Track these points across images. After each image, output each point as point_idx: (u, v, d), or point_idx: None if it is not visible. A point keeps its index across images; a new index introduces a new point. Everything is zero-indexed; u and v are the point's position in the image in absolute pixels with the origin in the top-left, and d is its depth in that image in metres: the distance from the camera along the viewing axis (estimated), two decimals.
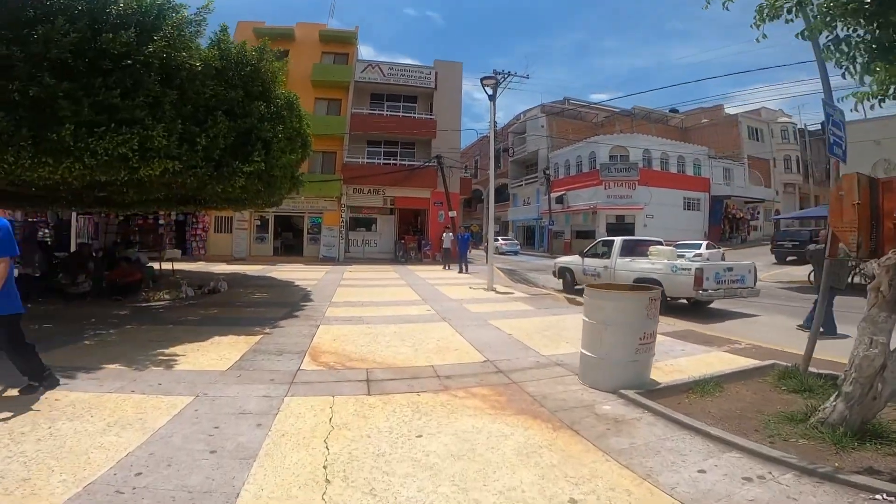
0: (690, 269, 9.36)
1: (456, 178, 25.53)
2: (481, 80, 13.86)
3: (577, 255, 13.40)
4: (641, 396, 4.13)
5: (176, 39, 6.49)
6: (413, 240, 24.64)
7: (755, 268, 10.53)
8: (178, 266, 17.30)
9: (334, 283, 13.89)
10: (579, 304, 10.81)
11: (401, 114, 25.65)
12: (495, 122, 14.05)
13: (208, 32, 7.75)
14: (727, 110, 43.68)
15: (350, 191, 24.36)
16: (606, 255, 11.81)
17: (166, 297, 10.21)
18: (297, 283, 13.71)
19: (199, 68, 6.88)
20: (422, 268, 20.18)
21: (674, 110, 43.63)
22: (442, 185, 23.59)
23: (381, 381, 4.71)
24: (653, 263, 10.36)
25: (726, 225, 36.44)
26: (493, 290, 12.42)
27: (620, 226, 32.46)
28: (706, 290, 9.32)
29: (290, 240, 25.57)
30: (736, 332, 7.92)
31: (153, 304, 9.63)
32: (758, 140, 40.71)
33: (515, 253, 34.63)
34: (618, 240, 11.75)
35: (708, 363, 5.58)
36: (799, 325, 8.17)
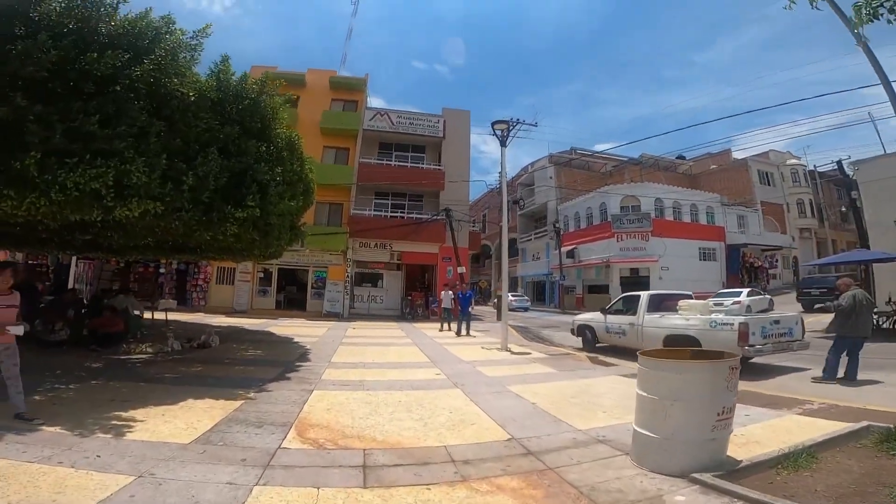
0: (733, 323, 8.36)
1: (464, 232, 25.02)
2: (492, 124, 13.50)
3: (597, 312, 12.42)
4: (723, 480, 3.19)
5: (168, 64, 5.96)
6: (420, 296, 23.73)
7: (802, 319, 9.51)
8: (174, 317, 16.48)
9: (336, 340, 12.91)
10: (605, 363, 9.89)
11: (409, 164, 25.54)
12: (506, 170, 13.57)
13: (209, 63, 7.30)
14: (734, 154, 43.14)
15: (356, 245, 23.82)
16: (632, 310, 10.85)
17: (149, 350, 9.29)
18: (296, 339, 12.75)
19: (193, 98, 6.35)
20: (429, 325, 19.15)
21: (680, 157, 43.19)
22: (450, 240, 23.01)
23: (381, 468, 3.71)
24: (687, 319, 9.37)
25: (744, 274, 35.13)
26: (508, 350, 11.37)
27: (634, 279, 31.44)
28: (752, 346, 8.28)
29: (294, 294, 24.79)
30: (793, 388, 6.91)
31: (133, 357, 8.73)
32: (769, 185, 39.85)
33: (526, 309, 33.44)
34: (644, 295, 10.81)
35: (786, 430, 4.62)
36: (814, 378, 7.73)
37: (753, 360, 9.49)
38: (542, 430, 4.77)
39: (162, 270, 22.67)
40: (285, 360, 9.15)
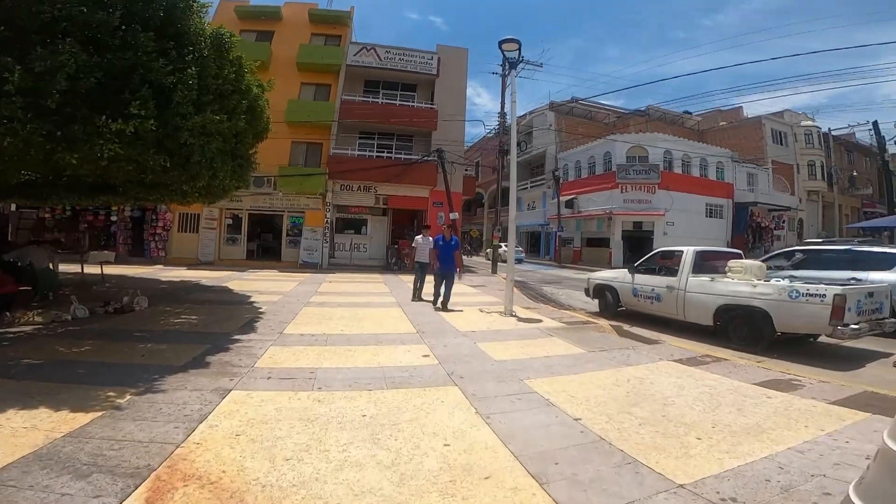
0: (825, 295, 6.19)
1: (458, 176, 22.39)
2: (500, 43, 10.63)
3: (622, 271, 10.29)
4: None
5: None
6: (408, 245, 21.32)
7: (891, 291, 7.40)
8: (117, 271, 14.12)
9: (302, 299, 10.63)
10: (640, 338, 7.50)
11: (398, 102, 22.50)
12: (516, 100, 10.91)
13: None
14: (746, 113, 40.86)
15: (337, 188, 21.14)
16: (671, 271, 8.68)
17: (38, 318, 6.95)
18: (253, 298, 10.44)
19: None
20: None
21: (686, 113, 40.89)
22: (442, 183, 20.43)
23: None
24: (753, 285, 7.18)
25: (749, 234, 33.41)
26: (513, 315, 9.20)
27: (638, 233, 29.54)
28: (846, 326, 6.17)
29: (269, 242, 22.28)
30: None
31: (12, 329, 6.38)
32: (781, 144, 37.80)
33: (520, 261, 31.43)
34: (688, 251, 8.56)
35: None
36: None
37: (822, 341, 7.47)
38: (615, 491, 2.58)
39: (113, 218, 19.92)
40: (221, 331, 6.84)
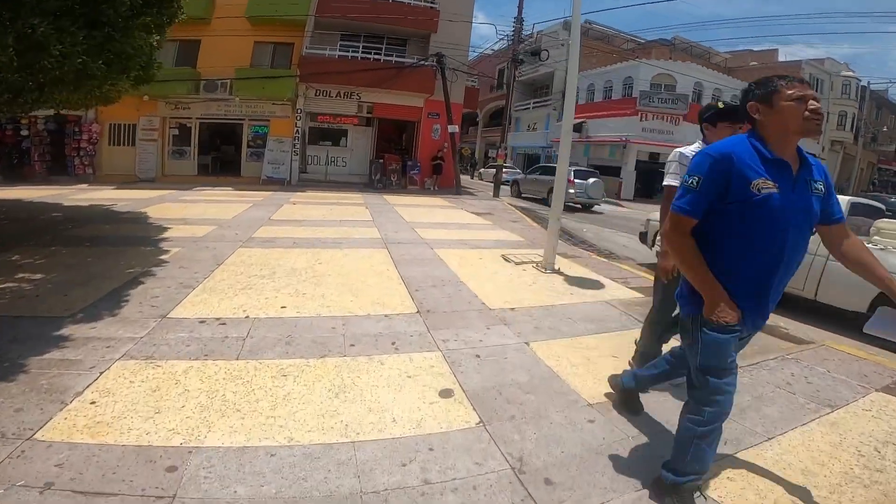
0: None
1: (460, 85, 18.31)
2: None
3: None
4: None
5: None
6: (396, 160, 17.77)
7: None
8: (22, 194, 10.68)
9: (244, 233, 7.41)
10: (768, 331, 4.25)
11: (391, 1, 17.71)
12: None
13: None
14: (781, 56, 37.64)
15: (311, 93, 17.05)
16: None
17: None
18: (169, 233, 7.20)
19: None
20: (407, 199, 13.64)
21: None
22: (440, 92, 16.57)
23: None
24: None
25: None
26: (557, 270, 6.21)
27: (653, 164, 26.31)
28: None
29: (230, 154, 18.37)
30: None
31: None
32: (818, 91, 34.59)
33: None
34: (841, 200, 5.45)
35: None
36: None
37: None
38: None
39: (24, 132, 15.77)
40: (52, 313, 3.73)
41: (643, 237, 8.05)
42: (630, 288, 5.92)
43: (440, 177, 17.69)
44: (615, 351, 3.75)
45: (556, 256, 6.49)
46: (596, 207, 17.04)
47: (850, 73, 37.36)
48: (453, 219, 10.42)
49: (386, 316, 4.15)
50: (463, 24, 18.13)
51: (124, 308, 3.96)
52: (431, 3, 17.70)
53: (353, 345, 3.53)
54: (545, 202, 15.04)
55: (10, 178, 14.69)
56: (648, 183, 26.56)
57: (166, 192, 12.77)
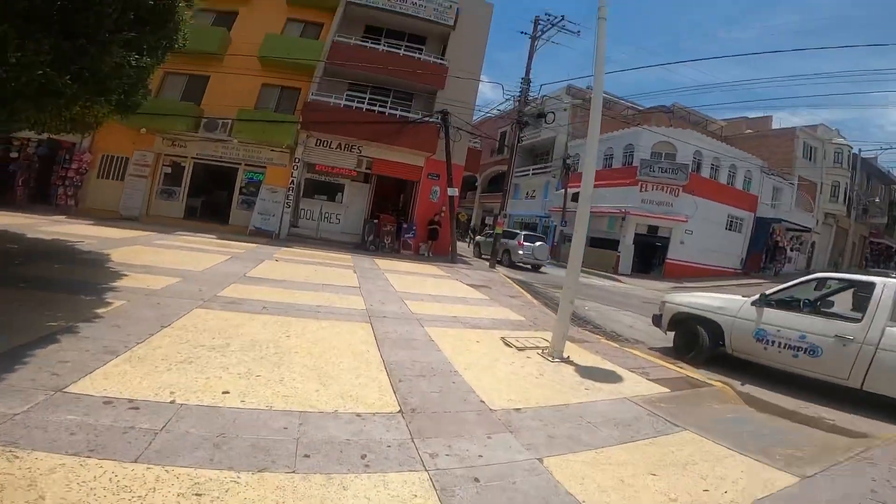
0: None
1: (462, 145, 18.16)
2: None
3: (732, 298, 6.56)
4: None
5: None
6: (391, 221, 17.15)
7: None
8: None
9: (209, 290, 6.53)
10: (824, 426, 3.76)
11: (402, 52, 17.99)
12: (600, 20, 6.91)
13: None
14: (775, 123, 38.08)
15: (312, 142, 16.76)
16: (832, 310, 5.36)
17: None
18: (123, 281, 6.31)
19: None
20: (399, 265, 12.87)
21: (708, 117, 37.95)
22: (442, 152, 16.30)
23: None
24: None
25: (766, 253, 30.48)
26: (567, 359, 5.32)
27: (651, 238, 26.09)
28: None
29: (222, 200, 17.66)
30: None
31: None
32: (810, 160, 35.01)
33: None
34: (887, 285, 4.90)
35: None
36: None
37: None
38: None
39: (14, 154, 15.26)
40: None
41: (657, 320, 7.28)
42: (651, 380, 5.07)
43: (435, 242, 17.04)
44: (653, 467, 2.88)
45: (568, 346, 5.63)
46: (542, 269, 20.14)
47: (842, 140, 36.92)
48: (447, 291, 9.59)
49: (358, 415, 3.23)
50: (469, 83, 18.20)
51: (17, 372, 3.07)
52: (441, 59, 17.89)
53: (307, 455, 2.62)
54: (501, 262, 18.43)
55: None
56: (646, 257, 26.16)
57: (144, 233, 11.96)
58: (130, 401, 2.97)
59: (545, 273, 19.38)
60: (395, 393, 3.69)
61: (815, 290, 5.98)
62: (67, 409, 2.74)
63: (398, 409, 3.41)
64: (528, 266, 19.33)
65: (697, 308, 6.61)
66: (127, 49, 4.98)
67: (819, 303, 5.69)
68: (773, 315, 5.69)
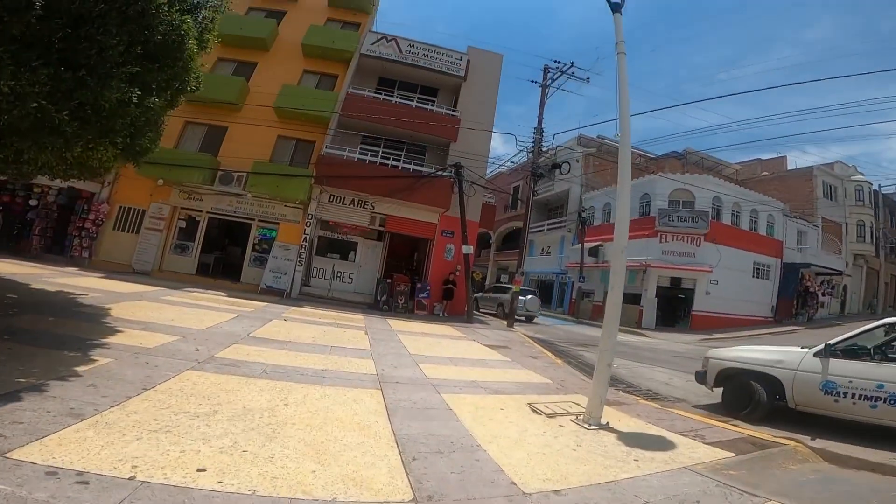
0: None
1: (476, 201, 17.97)
2: None
3: (789, 350, 5.87)
4: None
5: None
6: (405, 281, 16.66)
7: None
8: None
9: (206, 350, 6.02)
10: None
11: (415, 104, 18.39)
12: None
13: None
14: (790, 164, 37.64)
15: (325, 198, 16.76)
16: None
17: None
18: (116, 337, 5.84)
19: None
20: (413, 326, 12.30)
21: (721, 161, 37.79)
22: (456, 208, 16.10)
23: None
24: None
25: (797, 300, 29.08)
26: (606, 425, 4.60)
27: (674, 290, 25.16)
28: None
29: (234, 257, 17.56)
30: None
31: None
32: (831, 199, 33.99)
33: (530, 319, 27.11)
34: None
35: None
36: None
37: None
38: None
39: (32, 202, 15.48)
40: None
41: (701, 377, 6.52)
42: (709, 444, 4.33)
43: (450, 302, 16.47)
44: None
45: (608, 411, 4.92)
46: (536, 320, 21.98)
47: (861, 177, 35.93)
48: (464, 352, 8.91)
49: None
50: (482, 135, 18.24)
51: None
52: (453, 110, 18.10)
53: None
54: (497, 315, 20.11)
55: (2, 251, 13.87)
56: (669, 310, 25.09)
57: (153, 288, 11.65)
58: (80, 473, 2.42)
59: (538, 324, 20.88)
60: (407, 475, 3.04)
61: (885, 335, 5.26)
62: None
63: (412, 496, 2.76)
64: (523, 318, 20.60)
65: (750, 363, 5.89)
66: (131, 85, 4.75)
67: (886, 348, 5.01)
68: (841, 366, 5.02)
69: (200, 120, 16.50)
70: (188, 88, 6.24)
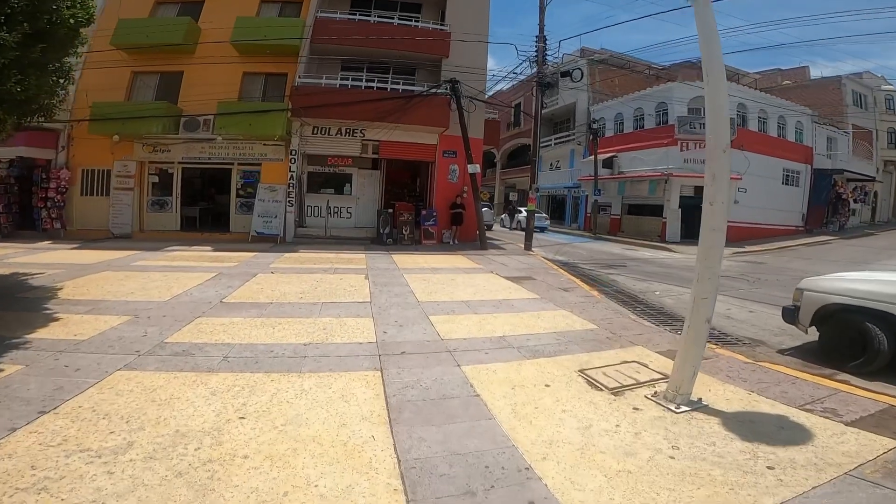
0: None
1: (478, 116, 15.94)
2: None
3: None
4: None
5: None
6: (409, 209, 15.12)
7: None
8: None
9: (161, 331, 4.76)
10: None
11: (395, 21, 15.84)
12: None
13: None
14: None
15: (308, 131, 14.86)
16: None
17: None
18: (45, 330, 4.62)
19: None
20: (422, 260, 10.96)
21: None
22: (456, 125, 14.18)
23: None
24: None
25: (829, 207, 27.62)
26: (704, 407, 3.28)
27: (697, 200, 23.38)
28: None
29: (224, 206, 16.00)
30: None
31: None
32: (861, 107, 32.28)
33: (543, 230, 25.76)
34: None
35: None
36: None
37: None
38: None
39: None
40: None
41: (790, 315, 5.17)
42: (851, 425, 3.07)
43: (460, 228, 15.03)
44: None
45: (703, 380, 3.56)
46: (543, 236, 22.20)
47: (891, 87, 34.42)
48: (484, 291, 7.56)
49: None
50: (478, 47, 15.90)
51: None
52: (441, 24, 15.69)
53: None
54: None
55: None
56: (694, 222, 23.52)
57: (128, 253, 10.36)
58: None
59: (557, 242, 20.29)
60: None
61: None
62: None
63: None
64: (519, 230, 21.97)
65: (862, 297, 4.49)
66: None
67: None
68: None
69: (149, 68, 14.48)
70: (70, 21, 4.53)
